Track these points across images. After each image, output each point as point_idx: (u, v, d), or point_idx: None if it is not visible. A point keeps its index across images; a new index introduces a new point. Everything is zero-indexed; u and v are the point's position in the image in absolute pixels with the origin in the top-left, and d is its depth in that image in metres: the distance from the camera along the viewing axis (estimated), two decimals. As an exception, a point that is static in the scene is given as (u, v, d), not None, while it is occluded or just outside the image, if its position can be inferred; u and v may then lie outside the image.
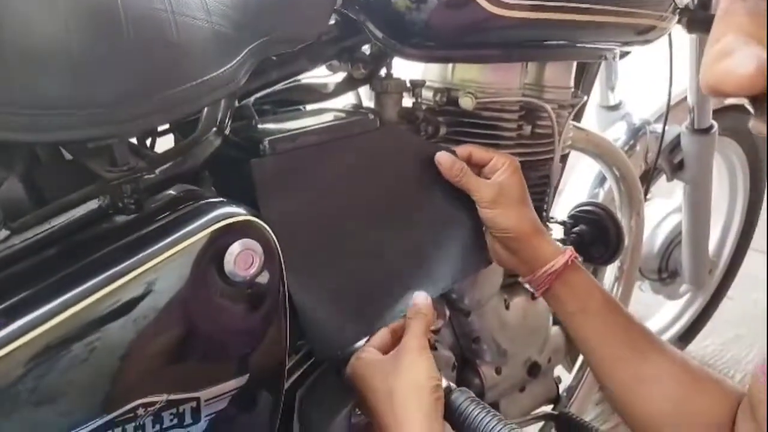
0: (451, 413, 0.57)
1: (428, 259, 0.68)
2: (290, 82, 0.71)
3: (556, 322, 0.99)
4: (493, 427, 0.53)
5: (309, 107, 0.74)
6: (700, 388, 0.61)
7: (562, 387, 1.02)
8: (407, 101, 0.77)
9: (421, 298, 0.62)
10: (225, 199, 0.48)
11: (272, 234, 0.47)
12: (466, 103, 0.75)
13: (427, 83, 0.77)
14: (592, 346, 0.67)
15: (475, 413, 0.55)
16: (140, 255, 0.43)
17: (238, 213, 0.46)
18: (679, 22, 0.93)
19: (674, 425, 0.61)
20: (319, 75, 0.74)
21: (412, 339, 0.57)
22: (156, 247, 0.43)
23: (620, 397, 0.65)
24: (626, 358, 0.64)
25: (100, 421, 0.41)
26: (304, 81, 0.74)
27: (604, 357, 0.66)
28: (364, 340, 0.63)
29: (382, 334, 0.61)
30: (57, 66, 0.39)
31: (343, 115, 0.67)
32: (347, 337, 0.62)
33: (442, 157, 0.69)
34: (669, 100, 1.06)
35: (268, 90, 0.66)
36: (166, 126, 0.65)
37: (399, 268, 0.65)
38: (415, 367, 0.55)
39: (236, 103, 0.60)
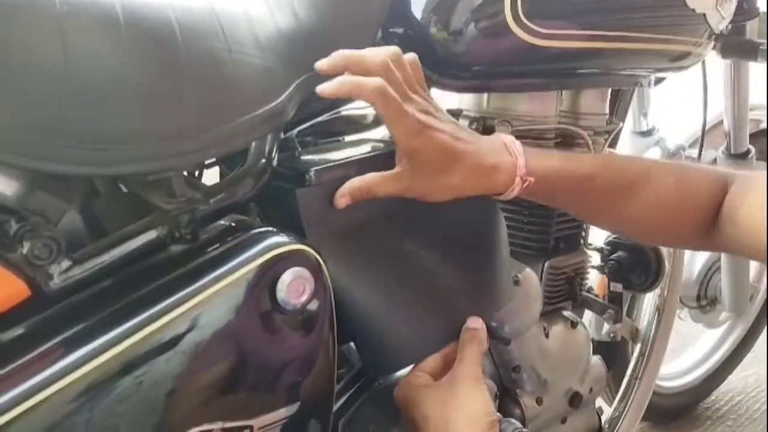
0: (498, 444, 0.56)
1: (476, 284, 0.67)
2: (331, 114, 0.73)
3: (596, 351, 0.98)
4: (542, 458, 0.52)
5: (348, 138, 0.76)
6: (688, 196, 0.64)
7: (603, 418, 1.00)
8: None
9: (476, 323, 0.61)
10: (275, 229, 0.49)
11: (321, 261, 0.48)
12: (503, 131, 0.76)
13: (463, 113, 0.78)
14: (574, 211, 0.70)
15: (524, 443, 0.54)
16: (195, 285, 0.44)
17: (288, 242, 0.47)
18: (713, 47, 0.93)
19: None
20: (359, 107, 0.76)
21: (468, 367, 0.56)
22: (210, 277, 0.44)
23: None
24: (610, 206, 0.65)
25: (158, 450, 0.41)
26: (344, 112, 0.75)
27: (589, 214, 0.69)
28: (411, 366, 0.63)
29: (434, 359, 0.60)
30: (119, 100, 0.41)
31: (383, 144, 0.68)
32: (401, 360, 0.62)
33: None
34: (704, 124, 1.05)
35: (312, 122, 0.68)
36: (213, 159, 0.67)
37: (447, 292, 0.65)
38: (472, 399, 0.54)
39: (282, 134, 0.62)
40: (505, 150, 0.60)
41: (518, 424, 0.57)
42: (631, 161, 0.68)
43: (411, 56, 0.59)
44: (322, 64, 0.53)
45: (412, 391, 0.58)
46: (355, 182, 0.57)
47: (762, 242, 0.57)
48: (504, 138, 0.62)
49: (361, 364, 0.66)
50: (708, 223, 0.63)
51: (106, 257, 0.46)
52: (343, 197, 0.57)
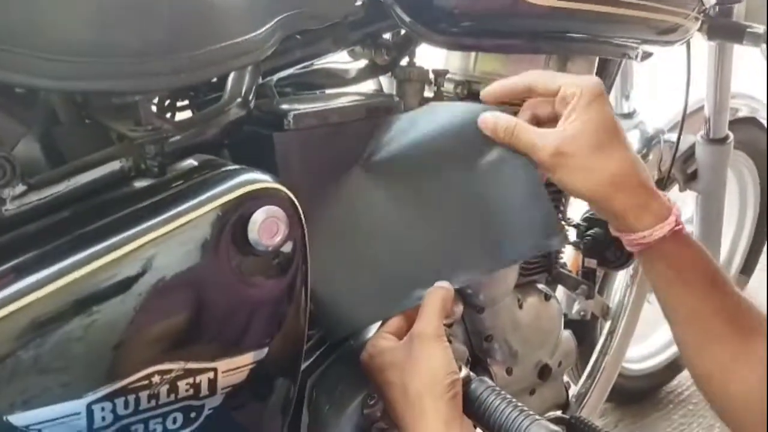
0: (470, 404, 0.55)
1: (455, 247, 0.65)
2: (312, 66, 0.70)
3: (567, 326, 0.97)
4: (515, 419, 0.51)
5: (329, 91, 0.73)
6: None
7: (570, 393, 1.00)
8: (427, 92, 0.76)
9: (443, 283, 0.59)
10: (249, 167, 0.46)
11: (297, 202, 0.45)
12: (488, 94, 0.74)
13: (448, 75, 0.76)
14: (686, 320, 0.58)
15: (496, 404, 0.53)
16: (161, 217, 0.41)
17: (262, 180, 0.45)
18: (699, 29, 0.92)
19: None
20: (341, 60, 0.73)
21: (426, 323, 0.53)
22: (178, 209, 0.42)
23: (711, 379, 0.58)
24: (725, 336, 0.55)
25: (113, 387, 0.39)
26: (325, 65, 0.73)
27: (698, 333, 0.57)
28: (378, 325, 0.61)
29: (398, 319, 0.58)
30: (86, 11, 0.38)
31: (365, 97, 0.66)
32: (360, 319, 0.60)
33: (485, 121, 0.58)
34: (685, 107, 1.05)
35: (291, 70, 0.65)
36: (185, 102, 0.64)
37: (421, 252, 0.63)
38: (430, 359, 0.52)
39: (260, 79, 0.59)
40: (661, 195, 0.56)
41: (490, 382, 0.56)
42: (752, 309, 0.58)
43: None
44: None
45: (376, 354, 0.56)
46: (508, 121, 0.57)
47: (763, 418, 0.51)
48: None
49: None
50: None
51: (65, 185, 0.43)
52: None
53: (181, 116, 0.61)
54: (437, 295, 0.57)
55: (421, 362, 0.52)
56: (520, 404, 0.53)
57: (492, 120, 0.58)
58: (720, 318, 0.56)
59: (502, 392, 0.55)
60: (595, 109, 0.53)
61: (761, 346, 0.54)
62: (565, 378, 1.01)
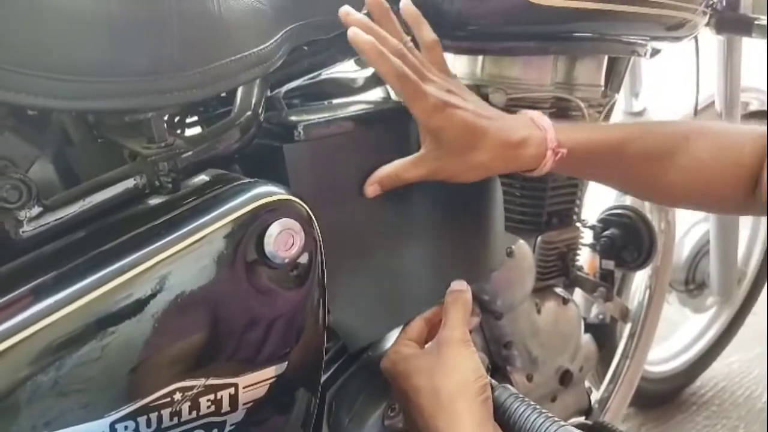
0: (494, 411, 0.54)
1: (462, 250, 0.65)
2: (319, 76, 0.70)
3: (586, 330, 0.96)
4: (541, 425, 0.50)
5: (336, 101, 0.73)
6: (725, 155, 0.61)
7: (592, 399, 0.99)
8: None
9: (460, 285, 0.59)
10: (262, 180, 0.46)
11: (311, 214, 0.45)
12: (498, 99, 0.74)
13: (456, 80, 0.76)
14: (621, 185, 0.70)
15: (521, 410, 0.52)
16: (177, 233, 0.41)
17: (276, 192, 0.44)
18: (707, 24, 0.92)
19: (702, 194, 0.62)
20: (349, 70, 0.73)
21: (454, 329, 0.54)
22: (193, 225, 0.41)
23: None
24: (646, 174, 0.62)
25: (135, 406, 0.39)
26: (333, 75, 0.73)
27: (624, 184, 0.68)
28: (396, 333, 0.61)
29: (417, 325, 0.58)
30: (96, 31, 0.38)
31: (374, 105, 0.66)
32: (378, 328, 0.60)
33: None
34: (696, 103, 1.04)
35: (299, 81, 0.65)
36: (195, 118, 0.64)
37: (432, 257, 0.63)
38: (460, 363, 0.52)
39: (269, 91, 0.59)
40: (533, 124, 0.59)
41: (513, 390, 0.55)
42: (666, 125, 0.64)
43: (431, 39, 0.58)
44: (346, 13, 0.54)
45: (399, 361, 0.55)
46: (383, 170, 0.57)
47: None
48: (531, 113, 0.60)
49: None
50: (749, 186, 0.60)
51: (80, 205, 0.43)
52: (372, 186, 0.57)
53: (191, 132, 0.61)
54: (458, 301, 0.57)
55: (451, 366, 0.52)
56: (545, 410, 0.52)
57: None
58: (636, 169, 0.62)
59: (526, 399, 0.54)
60: (443, 128, 0.55)
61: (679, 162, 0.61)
62: (587, 383, 1.00)
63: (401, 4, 0.59)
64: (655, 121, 0.74)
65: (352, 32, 0.52)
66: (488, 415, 0.51)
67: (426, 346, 0.58)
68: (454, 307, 0.56)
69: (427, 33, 0.58)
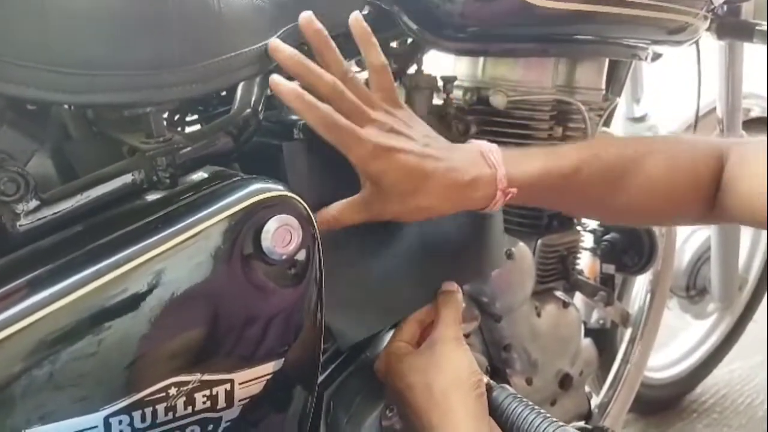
0: (492, 412, 0.54)
1: (455, 249, 0.65)
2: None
3: (588, 333, 0.96)
4: (538, 425, 0.50)
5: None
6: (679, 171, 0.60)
7: (592, 403, 0.98)
8: (436, 99, 0.76)
9: (451, 286, 0.59)
10: (261, 177, 0.46)
11: (310, 211, 0.45)
12: (498, 101, 0.74)
13: (457, 82, 0.76)
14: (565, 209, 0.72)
15: (519, 410, 0.52)
16: (174, 228, 0.41)
17: (274, 188, 0.44)
18: (708, 29, 0.92)
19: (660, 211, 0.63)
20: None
21: (446, 328, 0.54)
22: (191, 220, 0.41)
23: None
24: (601, 199, 0.61)
25: (129, 400, 0.38)
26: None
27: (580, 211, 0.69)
28: (390, 333, 0.61)
29: (410, 326, 0.58)
30: (97, 25, 0.38)
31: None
32: (369, 325, 0.60)
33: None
34: (698, 108, 1.04)
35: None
36: (194, 117, 0.65)
37: (424, 256, 0.63)
38: (453, 360, 0.52)
39: (268, 91, 0.59)
40: (483, 161, 0.55)
41: (512, 390, 0.55)
42: (617, 147, 0.62)
43: (378, 63, 0.54)
44: (278, 51, 0.49)
45: (392, 361, 0.55)
46: (322, 214, 0.53)
47: (764, 211, 0.55)
48: (482, 147, 0.57)
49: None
50: (707, 198, 0.61)
51: (78, 199, 0.43)
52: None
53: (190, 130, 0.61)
54: (450, 301, 0.57)
55: (444, 362, 0.52)
56: (543, 411, 0.52)
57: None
58: (590, 196, 0.61)
59: (525, 399, 0.54)
60: (383, 173, 0.51)
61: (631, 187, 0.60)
62: (587, 388, 0.99)
63: (350, 21, 0.54)
64: (605, 142, 0.72)
65: (273, 81, 0.48)
66: (483, 410, 0.51)
67: (420, 347, 0.58)
68: (446, 307, 0.56)
69: (374, 56, 0.54)
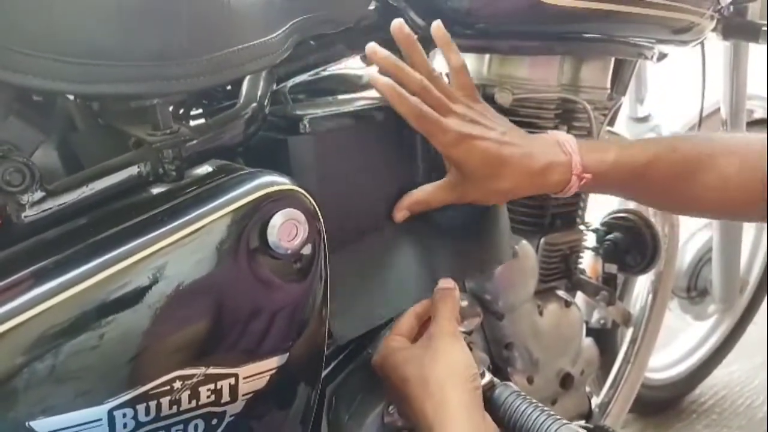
0: (495, 409, 0.54)
1: (454, 245, 0.65)
2: (325, 72, 0.70)
3: (589, 333, 0.96)
4: (542, 422, 0.50)
5: (341, 96, 0.73)
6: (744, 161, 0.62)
7: (593, 403, 0.98)
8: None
9: (448, 283, 0.59)
10: (267, 170, 0.46)
11: (316, 206, 0.45)
12: (504, 98, 0.74)
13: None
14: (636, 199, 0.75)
15: (522, 408, 0.52)
16: (180, 221, 0.41)
17: (281, 182, 0.44)
18: (714, 29, 0.91)
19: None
20: (354, 66, 0.73)
21: (444, 323, 0.55)
22: (197, 213, 0.41)
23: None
24: (671, 193, 0.64)
25: (134, 393, 0.38)
26: (338, 71, 0.73)
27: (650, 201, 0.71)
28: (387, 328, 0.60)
29: (407, 321, 0.58)
30: (105, 15, 0.38)
31: (380, 101, 0.66)
32: (367, 319, 0.60)
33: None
34: (702, 110, 1.04)
35: (304, 76, 0.65)
36: (200, 111, 0.64)
37: (423, 252, 0.63)
38: (449, 354, 0.52)
39: (275, 85, 0.59)
40: (559, 149, 0.60)
41: (515, 387, 0.54)
42: (691, 142, 0.65)
43: (458, 64, 0.60)
44: (373, 51, 0.57)
45: (389, 355, 0.56)
46: (412, 196, 0.60)
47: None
48: (558, 136, 0.61)
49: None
50: None
51: (83, 191, 0.42)
52: (400, 211, 0.60)
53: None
54: (447, 297, 0.58)
55: (440, 356, 0.53)
56: (546, 408, 0.52)
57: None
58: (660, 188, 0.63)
59: (528, 396, 0.54)
60: (463, 159, 0.57)
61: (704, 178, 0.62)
62: (587, 388, 0.99)
63: (432, 27, 0.60)
64: (680, 137, 0.77)
65: (372, 77, 0.56)
66: (478, 404, 0.51)
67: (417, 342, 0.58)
68: (442, 303, 0.57)
69: (454, 57, 0.59)
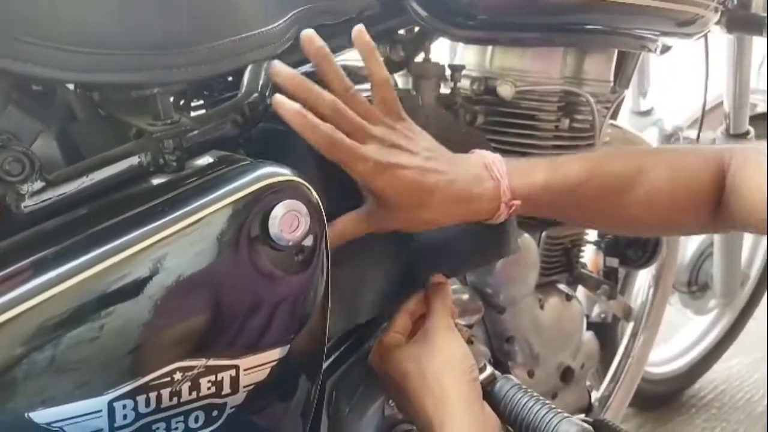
0: (496, 402, 0.53)
1: (450, 239, 0.65)
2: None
3: (589, 327, 0.96)
4: (543, 416, 0.50)
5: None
6: (683, 181, 0.60)
7: (593, 397, 0.98)
8: (444, 88, 0.75)
9: (439, 278, 0.60)
10: (268, 161, 0.45)
11: (317, 196, 0.45)
12: (506, 90, 0.73)
13: (464, 71, 0.75)
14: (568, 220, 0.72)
15: (524, 401, 0.52)
16: (181, 211, 0.40)
17: (282, 173, 0.44)
18: (718, 22, 0.91)
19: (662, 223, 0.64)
20: (357, 58, 0.72)
21: (439, 318, 0.55)
22: (198, 203, 0.41)
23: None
24: (603, 211, 0.62)
25: (134, 384, 0.38)
26: (340, 63, 0.72)
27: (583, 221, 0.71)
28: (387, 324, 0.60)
29: (402, 318, 0.58)
30: (107, 3, 0.37)
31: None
32: (360, 312, 0.60)
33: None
34: (705, 102, 1.03)
35: (306, 67, 0.65)
36: (200, 102, 0.64)
37: (419, 245, 0.62)
38: (446, 347, 0.53)
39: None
40: (486, 173, 0.56)
41: (516, 380, 0.54)
42: (621, 158, 0.63)
43: (380, 77, 0.54)
44: (278, 74, 0.49)
45: (386, 352, 0.56)
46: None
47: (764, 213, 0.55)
48: (486, 158, 0.57)
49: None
50: (711, 206, 0.60)
51: (83, 181, 0.42)
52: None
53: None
54: (441, 292, 0.58)
55: (437, 349, 0.53)
56: (548, 402, 0.52)
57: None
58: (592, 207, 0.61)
59: (529, 390, 0.53)
60: (385, 189, 0.52)
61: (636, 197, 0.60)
62: (588, 382, 0.99)
63: (353, 34, 0.54)
64: (610, 153, 0.73)
65: (276, 101, 0.49)
66: (476, 395, 0.51)
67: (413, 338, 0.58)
68: (437, 298, 0.57)
69: (376, 69, 0.54)
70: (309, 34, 0.50)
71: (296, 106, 0.48)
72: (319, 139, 0.49)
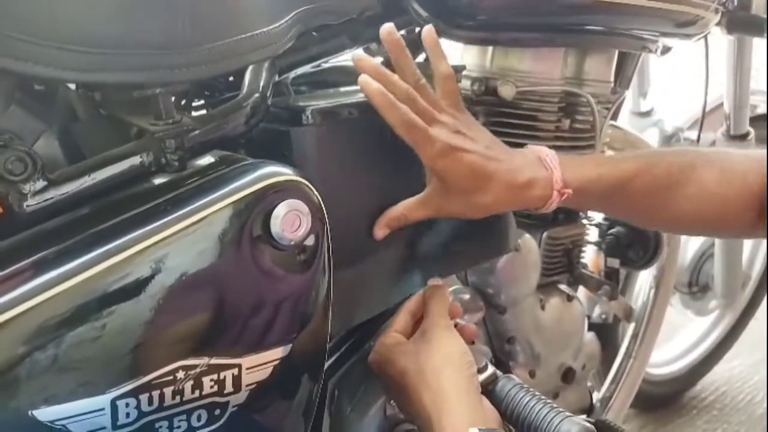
0: (498, 401, 0.53)
1: (449, 238, 0.65)
2: (327, 64, 0.69)
3: (590, 328, 0.96)
4: (545, 415, 0.50)
5: (344, 88, 0.73)
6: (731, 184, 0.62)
7: (594, 397, 0.98)
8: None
9: (435, 281, 0.60)
10: (270, 161, 0.46)
11: (320, 197, 0.45)
12: (507, 91, 0.73)
13: (465, 72, 0.76)
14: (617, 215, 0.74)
15: (525, 401, 0.52)
16: (183, 211, 0.40)
17: (284, 173, 0.44)
18: (718, 23, 0.91)
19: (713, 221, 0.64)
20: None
21: (436, 317, 0.56)
22: (200, 203, 0.41)
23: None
24: (653, 207, 0.64)
25: (137, 382, 0.38)
26: (341, 63, 0.72)
27: (632, 217, 0.71)
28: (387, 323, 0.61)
29: (403, 317, 0.59)
30: (108, 3, 0.37)
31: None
32: (361, 311, 0.60)
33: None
34: (705, 104, 1.03)
35: (307, 67, 0.65)
36: (201, 102, 0.64)
37: (418, 244, 0.63)
38: (444, 345, 0.53)
39: (277, 76, 0.58)
40: (540, 164, 0.60)
41: (518, 380, 0.54)
42: (672, 156, 0.65)
43: (446, 72, 0.58)
44: (361, 62, 0.55)
45: (385, 351, 0.56)
46: (391, 212, 0.58)
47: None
48: (539, 151, 0.61)
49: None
50: (756, 211, 0.62)
51: (86, 181, 0.42)
52: (380, 229, 0.58)
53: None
54: (438, 293, 0.59)
55: (435, 347, 0.53)
56: (550, 401, 0.52)
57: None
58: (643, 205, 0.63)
59: (531, 389, 0.53)
60: (448, 171, 0.56)
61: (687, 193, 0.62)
62: (589, 382, 0.99)
63: (423, 33, 0.59)
64: (660, 151, 0.76)
65: (363, 80, 0.54)
66: (475, 389, 0.51)
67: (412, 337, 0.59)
68: (434, 299, 0.58)
69: (443, 65, 0.58)
70: (388, 27, 0.56)
71: (380, 86, 0.53)
72: (397, 118, 0.53)
